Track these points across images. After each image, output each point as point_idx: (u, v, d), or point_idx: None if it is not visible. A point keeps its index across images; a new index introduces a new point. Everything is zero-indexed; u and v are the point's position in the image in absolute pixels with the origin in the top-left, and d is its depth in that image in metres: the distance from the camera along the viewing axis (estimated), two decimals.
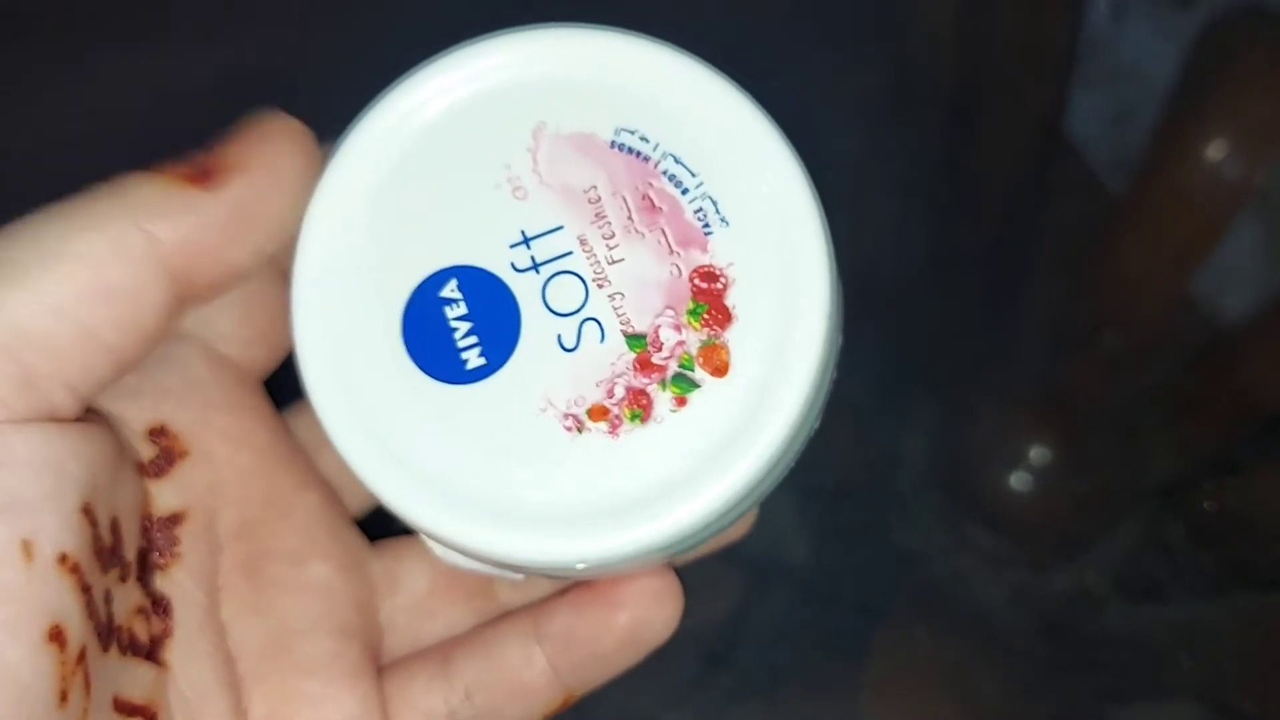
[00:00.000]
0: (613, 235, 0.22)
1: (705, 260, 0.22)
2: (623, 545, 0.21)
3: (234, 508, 0.25)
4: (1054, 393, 0.43)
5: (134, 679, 0.22)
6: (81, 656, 0.20)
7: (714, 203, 0.22)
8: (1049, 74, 0.45)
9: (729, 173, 0.22)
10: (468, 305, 0.22)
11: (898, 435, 0.41)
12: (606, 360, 0.22)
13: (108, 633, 0.21)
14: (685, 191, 0.22)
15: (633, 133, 0.23)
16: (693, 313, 0.22)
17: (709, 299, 0.22)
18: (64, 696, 0.19)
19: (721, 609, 0.38)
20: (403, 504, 0.22)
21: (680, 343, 0.22)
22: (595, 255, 0.22)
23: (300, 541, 0.26)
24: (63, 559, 0.20)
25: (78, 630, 0.20)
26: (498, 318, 0.22)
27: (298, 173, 0.22)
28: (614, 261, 0.22)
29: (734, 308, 0.22)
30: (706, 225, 0.22)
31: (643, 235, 0.22)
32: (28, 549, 0.19)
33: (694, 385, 0.22)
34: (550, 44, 0.23)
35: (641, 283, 0.22)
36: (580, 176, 0.23)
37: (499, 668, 0.26)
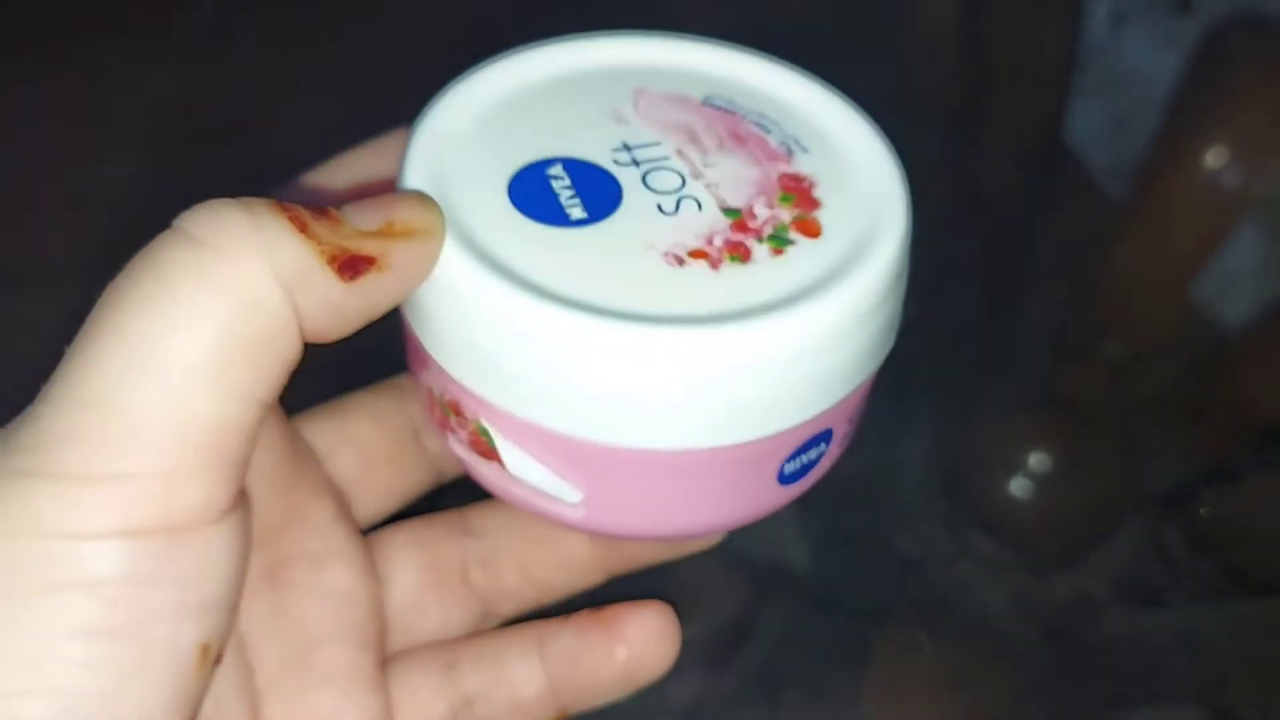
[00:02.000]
0: (706, 152, 0.25)
1: (791, 169, 0.25)
2: (722, 355, 0.21)
3: (255, 516, 0.25)
4: (1054, 400, 0.43)
5: None
6: None
7: (795, 140, 0.26)
8: (1049, 82, 0.45)
9: (807, 123, 0.26)
10: (572, 181, 0.24)
11: (899, 442, 0.41)
12: (705, 223, 0.24)
13: None
14: (769, 131, 0.26)
15: (721, 97, 0.26)
16: (784, 198, 0.24)
17: (797, 192, 0.24)
18: None
19: (724, 615, 0.38)
20: (503, 305, 0.21)
21: (773, 216, 0.24)
22: (691, 161, 0.25)
23: (318, 547, 0.26)
24: (218, 659, 0.20)
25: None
26: (600, 189, 0.24)
27: (423, 279, 0.22)
28: (708, 165, 0.25)
29: (821, 199, 0.24)
30: (789, 150, 0.25)
31: (733, 153, 0.25)
32: (205, 652, 0.19)
33: (789, 242, 0.23)
34: (636, 39, 0.27)
35: (734, 179, 0.24)
36: (676, 118, 0.26)
37: (502, 681, 0.27)
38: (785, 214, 0.24)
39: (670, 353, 0.21)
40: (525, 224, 0.23)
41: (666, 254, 0.23)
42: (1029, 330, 0.44)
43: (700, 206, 0.24)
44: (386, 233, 0.20)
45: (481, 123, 0.25)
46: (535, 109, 0.25)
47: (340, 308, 0.20)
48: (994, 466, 0.42)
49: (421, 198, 0.22)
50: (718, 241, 0.23)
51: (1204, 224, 0.43)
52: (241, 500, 0.20)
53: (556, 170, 0.24)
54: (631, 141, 0.25)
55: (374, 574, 0.27)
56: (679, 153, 0.25)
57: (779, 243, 0.23)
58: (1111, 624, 0.40)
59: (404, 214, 0.21)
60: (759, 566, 0.39)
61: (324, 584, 0.25)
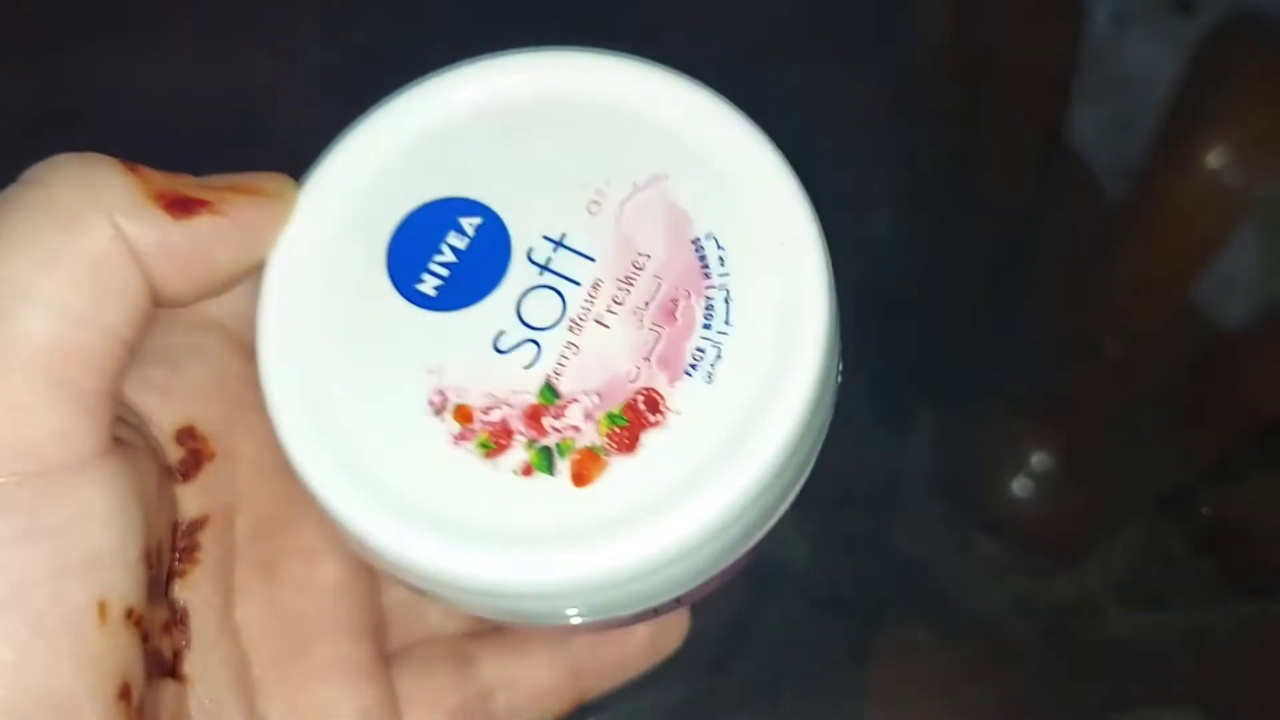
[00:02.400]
0: (619, 304, 0.22)
1: (663, 391, 0.21)
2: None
3: (253, 506, 0.24)
4: (1055, 400, 0.43)
5: (160, 701, 0.21)
6: (141, 707, 0.20)
7: (718, 353, 0.21)
8: (1050, 83, 0.45)
9: (757, 334, 0.22)
10: (470, 244, 0.22)
11: (899, 442, 0.41)
12: (515, 384, 0.21)
13: (153, 664, 0.21)
14: (706, 327, 0.21)
15: (718, 245, 0.22)
16: (611, 417, 0.21)
17: (632, 421, 0.21)
18: None
19: (723, 615, 0.38)
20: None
21: (575, 429, 0.21)
22: (594, 303, 0.22)
23: (315, 539, 0.25)
24: (129, 613, 0.19)
25: (139, 682, 0.19)
26: (480, 272, 0.22)
27: (266, 240, 0.21)
28: (599, 321, 0.22)
29: (641, 448, 0.21)
30: (691, 367, 0.21)
31: (639, 327, 0.22)
32: (103, 610, 0.18)
33: (548, 469, 0.21)
34: (676, 84, 0.23)
35: (600, 356, 0.21)
36: (645, 241, 0.22)
37: (525, 669, 0.27)
38: (585, 438, 0.21)
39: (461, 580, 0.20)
40: (376, 282, 0.21)
41: (439, 390, 0.21)
42: (1030, 330, 0.44)
43: (534, 362, 0.21)
44: (232, 188, 0.21)
45: (457, 131, 0.23)
46: (522, 138, 0.23)
47: (173, 248, 0.19)
48: (994, 466, 0.42)
49: (277, 175, 0.22)
50: (496, 415, 0.21)
51: (1205, 225, 0.43)
52: (121, 452, 0.19)
53: (471, 222, 0.22)
54: (570, 239, 0.22)
55: (368, 568, 0.27)
56: (596, 285, 0.22)
57: (540, 463, 0.21)
58: (1112, 624, 0.40)
59: (253, 179, 0.21)
60: (758, 566, 0.39)
61: (319, 575, 0.25)
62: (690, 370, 0.21)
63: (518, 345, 0.21)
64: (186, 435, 0.23)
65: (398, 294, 0.21)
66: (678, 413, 0.21)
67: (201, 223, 0.20)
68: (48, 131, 0.40)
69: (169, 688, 0.22)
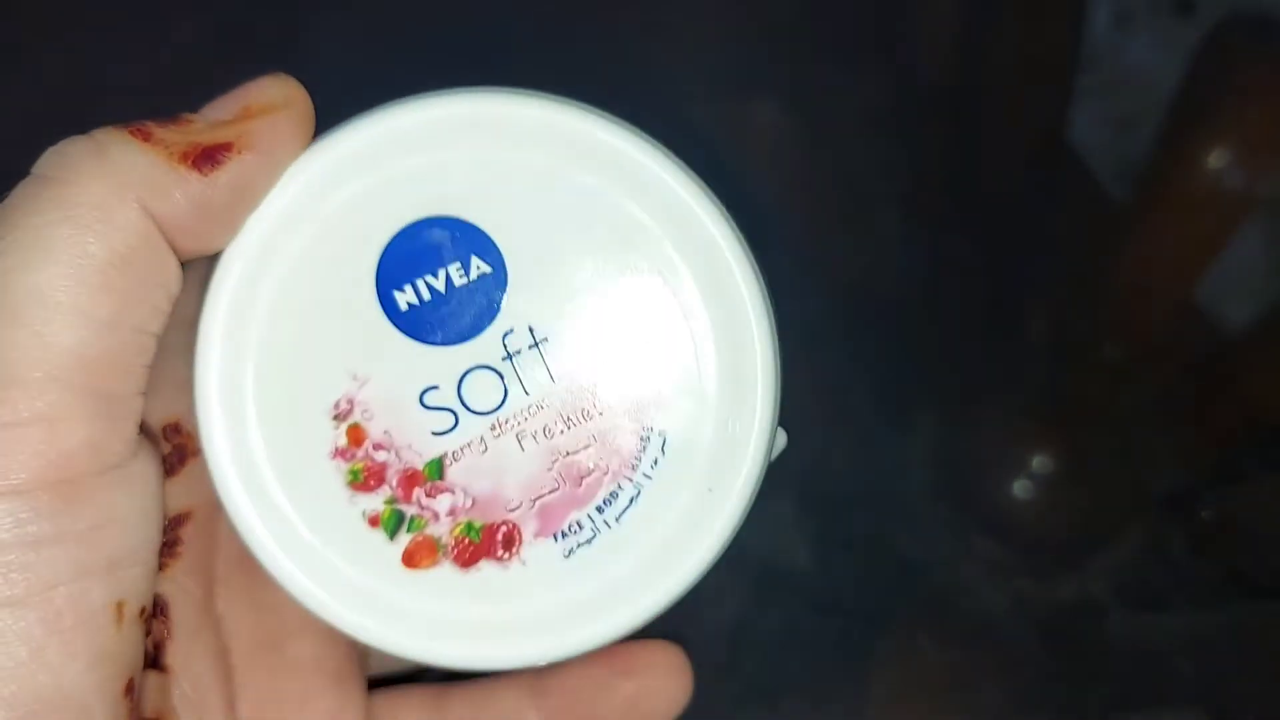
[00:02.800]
0: (549, 436, 0.21)
1: (525, 538, 0.21)
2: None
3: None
4: (1056, 402, 0.43)
5: (145, 692, 0.22)
6: (138, 701, 0.20)
7: (590, 539, 0.21)
8: (1051, 84, 0.45)
9: (631, 550, 0.22)
10: (465, 284, 0.21)
11: (901, 444, 0.41)
12: (415, 441, 0.21)
13: (147, 660, 0.21)
14: (599, 510, 0.22)
15: (662, 449, 0.21)
16: (470, 526, 0.21)
17: (484, 543, 0.21)
18: None
19: (725, 617, 0.38)
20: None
21: (434, 515, 0.21)
22: (527, 420, 0.21)
23: None
24: (141, 612, 0.19)
25: (139, 675, 0.20)
26: (459, 310, 0.21)
27: (294, 153, 0.21)
28: (519, 438, 0.21)
29: (475, 571, 0.21)
30: (560, 535, 0.21)
31: (549, 467, 0.21)
32: (119, 610, 0.19)
33: (390, 533, 0.21)
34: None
35: (498, 470, 0.21)
36: (609, 399, 0.21)
37: (492, 715, 0.26)
38: (443, 528, 0.21)
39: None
40: (358, 264, 0.21)
41: (349, 417, 0.21)
42: (1030, 332, 0.44)
43: (451, 426, 0.21)
44: (244, 116, 0.20)
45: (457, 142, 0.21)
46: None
47: (207, 202, 0.19)
48: (996, 468, 0.42)
49: (278, 75, 0.21)
50: (381, 456, 0.21)
51: (1207, 226, 0.43)
52: (142, 449, 0.20)
53: (480, 267, 0.21)
54: (547, 347, 0.21)
55: None
56: (539, 406, 0.21)
57: (390, 526, 0.21)
58: (1113, 627, 0.40)
59: (259, 93, 0.20)
60: (759, 569, 0.39)
61: None
62: (558, 536, 0.21)
63: (440, 409, 0.21)
64: (172, 431, 0.23)
65: (374, 289, 0.21)
66: (523, 564, 0.21)
67: (231, 167, 0.19)
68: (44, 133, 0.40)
69: (152, 679, 0.22)
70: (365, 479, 0.21)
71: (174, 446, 0.23)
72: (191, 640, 0.23)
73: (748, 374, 0.21)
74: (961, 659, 0.39)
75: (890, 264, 0.43)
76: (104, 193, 0.18)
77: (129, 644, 0.19)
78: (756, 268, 0.22)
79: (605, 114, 0.22)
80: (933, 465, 0.41)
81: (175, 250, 0.19)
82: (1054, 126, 0.44)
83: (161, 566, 0.23)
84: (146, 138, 0.19)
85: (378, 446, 0.21)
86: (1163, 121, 0.44)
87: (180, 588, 0.23)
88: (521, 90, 0.22)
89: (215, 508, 0.24)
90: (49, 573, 0.18)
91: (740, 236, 0.22)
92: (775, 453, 0.23)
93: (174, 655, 0.23)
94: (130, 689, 0.19)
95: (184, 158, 0.19)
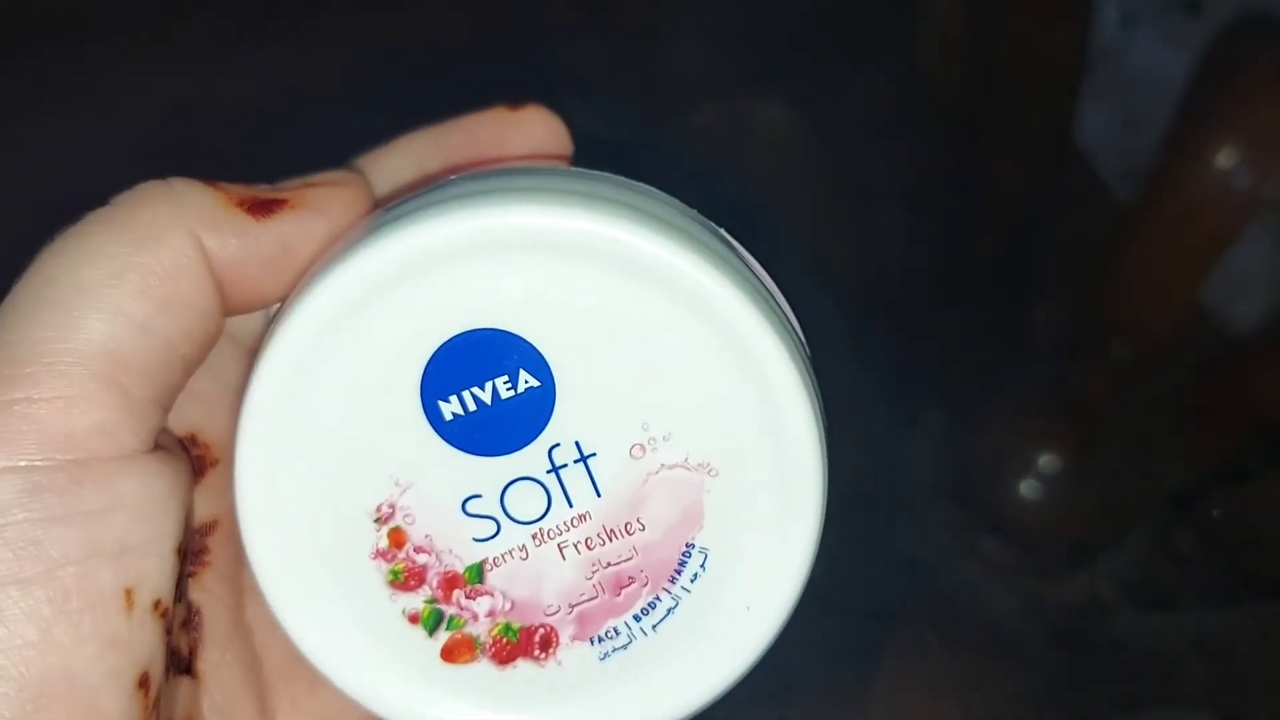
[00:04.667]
0: (590, 548, 0.21)
1: (562, 640, 0.22)
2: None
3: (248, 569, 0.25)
4: (1064, 401, 0.43)
5: (176, 698, 0.22)
6: (158, 698, 0.20)
7: (626, 645, 0.22)
8: (1058, 83, 0.45)
9: (667, 660, 0.22)
10: (511, 397, 0.21)
11: (908, 443, 0.42)
12: (457, 546, 0.21)
13: (171, 661, 0.21)
14: (636, 619, 0.22)
15: (703, 565, 0.21)
16: (509, 628, 0.22)
17: (521, 643, 0.22)
18: None
19: None
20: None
21: (474, 616, 0.22)
22: (569, 531, 0.21)
23: None
24: (156, 605, 0.19)
25: (158, 673, 0.20)
26: (501, 425, 0.21)
27: (348, 221, 0.21)
28: (561, 548, 0.21)
29: (512, 669, 0.22)
30: (597, 639, 0.22)
31: (589, 575, 0.22)
32: (130, 597, 0.19)
33: (430, 630, 0.22)
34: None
35: (538, 576, 0.21)
36: (653, 515, 0.21)
37: None
38: (483, 628, 0.21)
39: None
40: (402, 375, 0.21)
41: (391, 520, 0.21)
42: (1038, 332, 0.44)
43: (493, 533, 0.21)
44: (306, 186, 0.21)
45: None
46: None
47: (255, 247, 0.20)
48: (1003, 468, 0.42)
49: (345, 173, 0.22)
50: (422, 559, 0.21)
51: (1214, 226, 0.43)
52: (163, 450, 0.20)
53: (528, 381, 0.21)
54: (595, 463, 0.21)
55: None
56: (583, 518, 0.21)
57: (430, 624, 0.21)
58: (1121, 626, 0.40)
59: (324, 176, 0.22)
60: None
61: None
62: (594, 640, 0.22)
63: (483, 518, 0.21)
64: (189, 442, 0.23)
65: (418, 398, 0.21)
66: (559, 664, 0.22)
67: (283, 219, 0.21)
68: (50, 137, 0.40)
69: (184, 685, 0.22)
70: (406, 579, 0.21)
71: (193, 458, 0.23)
72: (223, 649, 0.23)
73: (797, 502, 0.21)
74: (969, 657, 0.39)
75: (897, 263, 0.43)
76: (159, 215, 0.19)
77: (141, 634, 0.19)
78: (816, 390, 0.22)
79: (668, 207, 0.21)
80: (940, 464, 0.42)
81: (220, 290, 0.20)
82: (1061, 126, 0.44)
83: (192, 574, 0.23)
84: (213, 185, 0.20)
85: (419, 550, 0.21)
86: (1170, 122, 0.44)
87: (212, 595, 0.23)
88: (582, 174, 0.22)
89: (236, 520, 0.24)
90: (57, 551, 0.18)
91: (803, 357, 0.21)
92: None
93: (205, 662, 0.23)
94: (145, 684, 0.19)
95: (241, 203, 0.20)
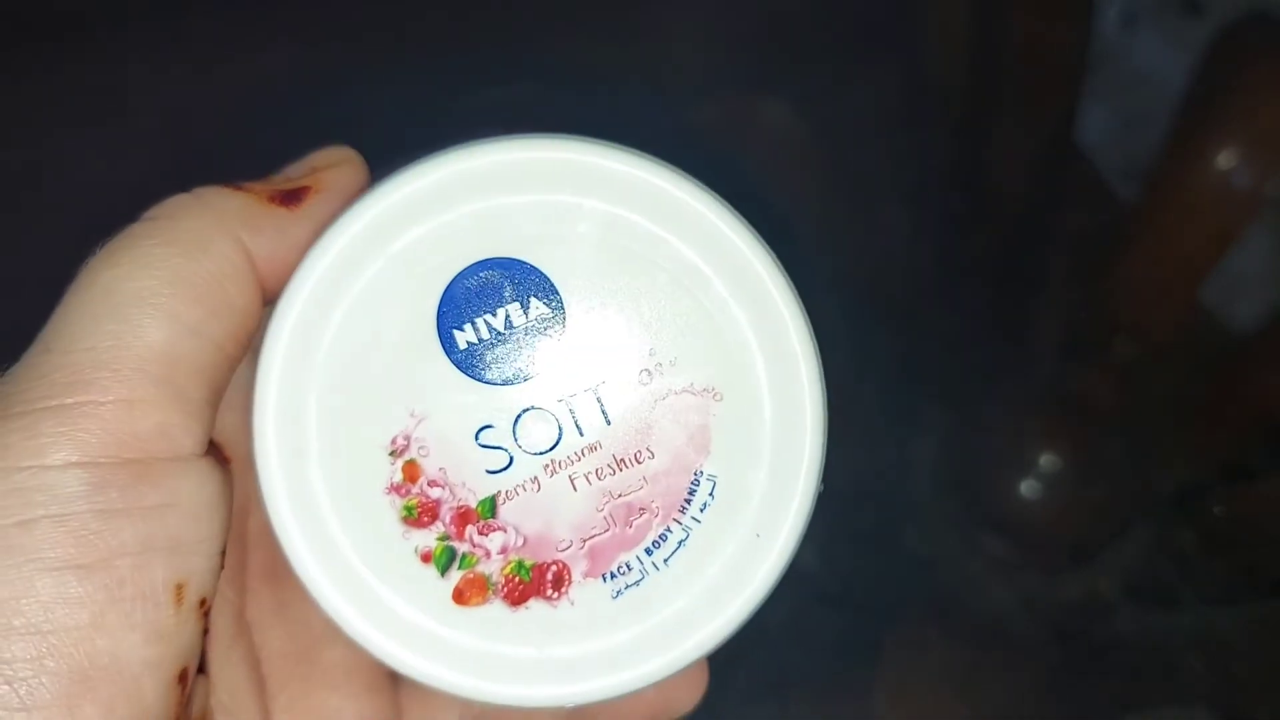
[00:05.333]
0: (600, 478, 0.22)
1: (574, 579, 0.22)
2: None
3: (262, 510, 0.25)
4: (1065, 400, 0.43)
5: (196, 695, 0.22)
6: (191, 694, 0.21)
7: (639, 580, 0.22)
8: (1060, 83, 0.45)
9: (681, 591, 0.22)
10: (525, 325, 0.22)
11: (909, 442, 0.42)
12: (470, 479, 0.21)
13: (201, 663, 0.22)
14: (647, 552, 0.22)
15: (712, 492, 0.22)
16: (521, 565, 0.22)
17: (534, 582, 0.22)
18: None
19: None
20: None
21: (486, 553, 0.21)
22: (580, 461, 0.22)
23: None
24: (202, 603, 0.20)
25: (194, 670, 0.20)
26: (510, 353, 0.22)
27: (358, 188, 0.23)
28: (572, 479, 0.22)
29: (524, 609, 0.22)
30: (610, 575, 0.22)
31: (599, 508, 0.22)
32: (180, 592, 0.20)
33: (441, 570, 0.21)
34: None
35: (551, 509, 0.22)
36: (661, 442, 0.22)
37: (521, 711, 0.27)
38: (494, 566, 0.21)
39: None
40: (418, 304, 0.21)
41: (406, 453, 0.21)
42: (1039, 331, 0.44)
43: (506, 464, 0.21)
44: (314, 170, 0.23)
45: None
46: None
47: (293, 233, 0.21)
48: (1005, 466, 0.42)
49: (336, 148, 0.23)
50: (435, 493, 0.21)
51: (1215, 225, 0.43)
52: (215, 455, 0.21)
53: (540, 309, 0.21)
54: (604, 391, 0.22)
55: None
56: (593, 448, 0.22)
57: (442, 563, 0.21)
58: (1123, 624, 0.40)
59: (323, 156, 0.23)
60: None
61: None
62: (607, 577, 0.22)
63: (496, 449, 0.21)
64: (215, 449, 0.23)
65: (434, 327, 0.21)
66: (571, 603, 0.22)
67: (311, 202, 0.22)
68: (56, 130, 0.40)
69: (201, 682, 0.23)
70: (419, 515, 0.21)
71: None
72: (228, 648, 0.24)
73: (799, 423, 0.22)
74: (970, 654, 0.39)
75: (899, 263, 0.43)
76: (203, 225, 0.21)
77: (186, 630, 0.20)
78: (806, 317, 0.22)
79: (660, 161, 0.22)
80: (941, 463, 0.42)
81: (262, 286, 0.21)
82: (1063, 126, 0.44)
83: None
84: (239, 188, 0.21)
85: (432, 483, 0.21)
86: (1171, 121, 0.44)
87: (220, 595, 0.24)
88: (579, 137, 0.22)
89: (245, 516, 0.24)
90: (115, 542, 0.19)
91: (792, 286, 0.22)
92: (812, 501, 0.23)
93: (212, 661, 0.23)
94: (184, 679, 0.20)
95: (271, 198, 0.21)
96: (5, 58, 0.41)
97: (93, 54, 0.41)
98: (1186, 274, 0.43)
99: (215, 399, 0.21)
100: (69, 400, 0.19)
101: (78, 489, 0.19)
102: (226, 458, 0.23)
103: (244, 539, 0.25)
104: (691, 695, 0.26)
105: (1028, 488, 0.41)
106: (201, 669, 0.23)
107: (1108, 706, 0.40)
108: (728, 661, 0.37)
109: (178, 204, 0.21)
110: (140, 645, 0.19)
